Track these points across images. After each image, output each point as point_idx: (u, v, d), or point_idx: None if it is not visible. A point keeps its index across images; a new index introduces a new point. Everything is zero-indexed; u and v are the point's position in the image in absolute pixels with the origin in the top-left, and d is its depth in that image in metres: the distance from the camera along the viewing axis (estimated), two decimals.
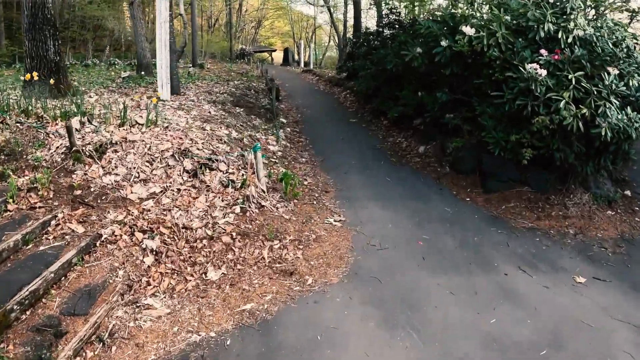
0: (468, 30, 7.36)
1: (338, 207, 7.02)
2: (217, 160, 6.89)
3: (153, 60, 21.56)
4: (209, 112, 9.80)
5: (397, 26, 15.36)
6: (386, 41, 14.32)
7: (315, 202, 7.10)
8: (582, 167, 7.07)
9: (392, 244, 5.93)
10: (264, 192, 6.61)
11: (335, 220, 6.51)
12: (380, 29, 16.03)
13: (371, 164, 9.14)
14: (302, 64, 32.92)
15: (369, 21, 32.23)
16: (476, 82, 7.78)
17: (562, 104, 6.43)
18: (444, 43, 7.84)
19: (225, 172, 6.79)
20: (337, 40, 33.18)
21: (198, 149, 7.16)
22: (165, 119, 8.27)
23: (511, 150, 7.16)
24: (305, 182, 7.92)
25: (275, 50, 42.02)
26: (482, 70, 7.66)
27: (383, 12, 21.24)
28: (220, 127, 8.79)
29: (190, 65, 23.72)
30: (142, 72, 16.29)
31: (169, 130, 7.57)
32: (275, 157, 8.81)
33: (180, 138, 7.34)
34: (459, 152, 8.48)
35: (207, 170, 6.71)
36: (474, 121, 8.28)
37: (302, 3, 42.40)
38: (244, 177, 6.66)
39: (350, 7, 33.26)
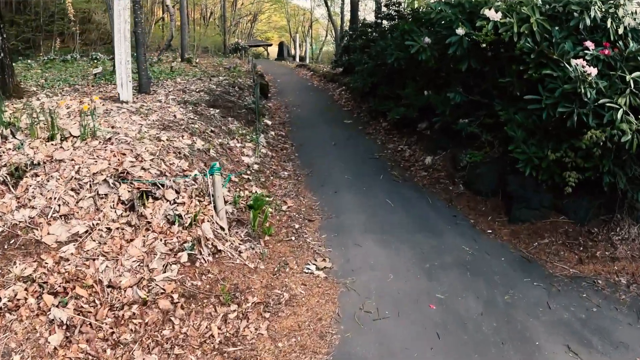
0: (493, 14, 5.59)
1: (323, 245, 5.28)
2: (164, 186, 5.13)
3: (134, 53, 19.83)
4: (174, 116, 8.03)
5: (397, 18, 13.62)
6: (385, 33, 12.55)
7: (293, 238, 5.37)
8: (635, 193, 5.33)
9: (394, 308, 4.19)
10: (223, 229, 4.88)
11: (318, 268, 4.77)
12: (379, 21, 14.25)
13: (368, 178, 7.40)
14: (297, 59, 31.06)
15: (369, 15, 30.36)
16: (501, 81, 6.03)
17: (619, 114, 4.69)
18: (460, 31, 6.06)
19: (173, 202, 5.04)
20: (334, 35, 31.29)
21: (143, 169, 5.40)
22: (113, 127, 6.52)
23: (547, 170, 5.42)
24: (284, 207, 6.20)
25: (271, 45, 40.12)
26: (509, 66, 5.91)
27: (382, 3, 19.47)
28: (183, 136, 7.04)
29: (179, 59, 21.90)
30: None
31: (111, 144, 5.82)
32: (250, 171, 7.07)
33: (123, 154, 5.58)
34: (476, 167, 6.74)
35: (150, 200, 4.96)
36: (496, 130, 6.55)
37: None
38: (198, 209, 4.92)
39: (348, 1, 31.49)
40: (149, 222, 4.76)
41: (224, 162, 6.89)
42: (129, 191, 4.94)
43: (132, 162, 5.43)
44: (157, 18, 31.22)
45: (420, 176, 7.49)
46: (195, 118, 8.41)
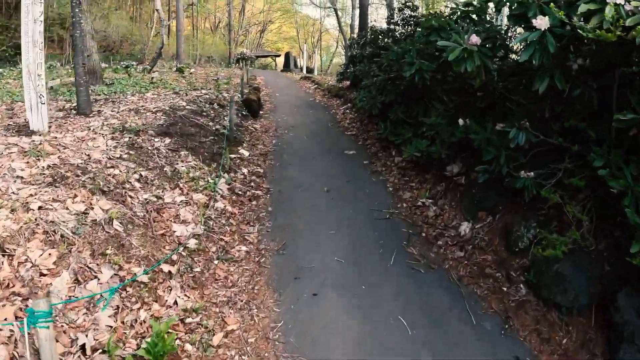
0: None
1: None
2: None
3: (112, 65, 16.87)
4: (88, 156, 5.24)
5: (412, 23, 10.79)
6: (399, 41, 9.71)
7: None
8: None
9: None
10: None
11: None
12: (392, 27, 11.40)
13: (371, 263, 4.50)
14: (304, 70, 28.28)
15: (381, 24, 27.56)
16: (621, 118, 3.09)
17: None
18: (540, 22, 3.14)
19: None
20: (344, 45, 28.50)
21: None
22: None
23: None
24: (216, 339, 3.33)
25: (279, 55, 37.44)
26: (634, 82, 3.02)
27: (395, 6, 16.65)
28: (75, 196, 4.26)
29: (175, 69, 19.28)
30: (88, 79, 11.86)
31: None
32: (183, 253, 4.24)
33: None
34: (552, 263, 3.79)
35: None
36: (592, 199, 3.63)
37: (307, 4, 37.85)
38: None
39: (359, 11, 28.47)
40: None
41: (132, 242, 4.06)
42: None
43: None
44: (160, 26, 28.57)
45: (454, 259, 4.56)
46: (125, 156, 5.62)
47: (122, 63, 18.23)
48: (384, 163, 7.53)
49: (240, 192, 6.06)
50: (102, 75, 12.44)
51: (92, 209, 4.21)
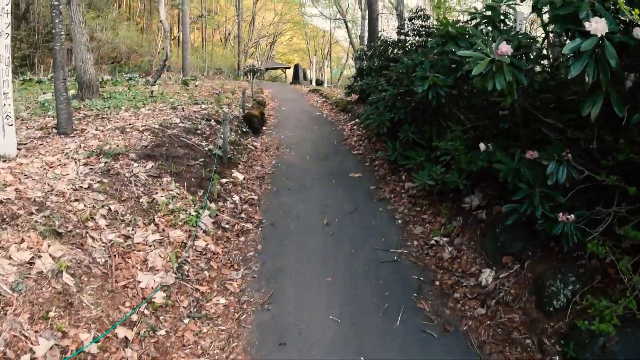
0: None
1: None
2: None
3: (118, 77, 16.27)
4: (51, 187, 4.55)
5: (423, 33, 10.05)
6: (410, 52, 8.96)
7: None
8: None
9: None
10: None
11: None
12: (402, 37, 10.65)
13: (373, 322, 3.68)
14: (313, 83, 27.64)
15: (391, 34, 26.88)
16: None
17: None
18: (595, 25, 2.34)
19: None
20: (354, 56, 27.84)
21: None
22: None
23: None
24: None
25: (289, 67, 36.92)
26: None
27: (405, 16, 15.93)
28: (22, 241, 3.54)
29: (180, 82, 18.74)
30: (83, 93, 11.33)
31: None
32: (148, 311, 3.48)
33: None
34: (598, 334, 2.96)
35: None
36: None
37: (317, 15, 37.43)
38: None
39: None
40: None
41: (84, 299, 3.30)
42: None
43: None
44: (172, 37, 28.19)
45: (474, 317, 3.73)
46: (96, 185, 4.92)
47: (125, 75, 17.72)
48: (392, 189, 6.73)
49: (227, 226, 5.30)
50: (99, 89, 11.87)
51: (40, 257, 3.48)
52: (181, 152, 6.67)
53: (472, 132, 5.08)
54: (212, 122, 9.26)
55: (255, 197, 6.39)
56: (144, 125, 7.40)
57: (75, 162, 5.47)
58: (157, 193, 5.30)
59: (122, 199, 4.93)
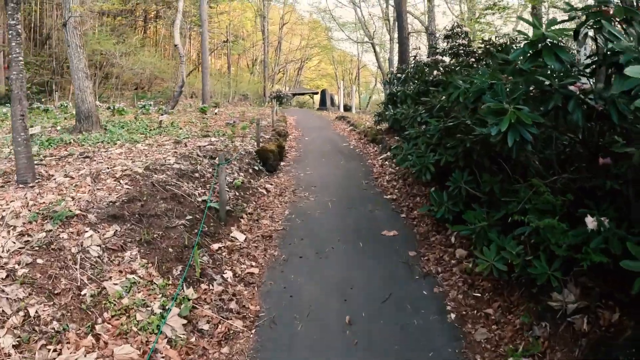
0: None
1: None
2: None
3: (118, 105, 14.95)
4: None
5: (462, 52, 8.47)
6: (451, 72, 7.25)
7: None
8: None
9: None
10: None
11: None
12: (438, 57, 8.97)
13: None
14: (341, 108, 26.15)
15: (420, 57, 25.30)
16: None
17: None
18: None
19: None
20: (383, 80, 26.29)
21: None
22: None
23: None
24: None
25: (316, 93, 35.67)
26: None
27: (438, 35, 14.33)
28: None
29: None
30: (81, 124, 10.10)
31: None
32: None
33: None
34: None
35: None
36: None
37: (344, 39, 36.20)
38: None
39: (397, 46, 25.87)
40: None
41: None
42: None
43: None
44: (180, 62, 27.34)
45: None
46: (21, 272, 3.41)
47: (139, 103, 16.61)
48: (439, 257, 4.95)
49: (206, 328, 3.63)
50: (99, 119, 10.60)
51: None
52: (163, 208, 5.09)
53: (568, 197, 3.31)
54: (215, 161, 7.74)
55: (256, 271, 4.72)
56: (125, 170, 5.89)
57: (9, 232, 3.96)
58: (109, 279, 3.71)
59: (55, 292, 3.37)
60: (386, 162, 9.54)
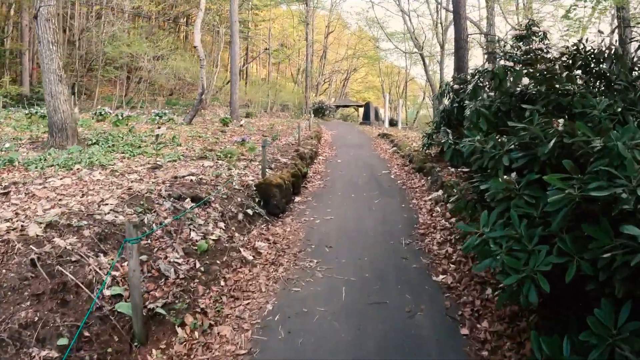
0: None
1: None
2: None
3: (127, 114, 12.31)
4: None
5: (540, 57, 5.45)
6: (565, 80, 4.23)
7: None
8: None
9: None
10: None
11: None
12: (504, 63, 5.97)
13: None
14: (386, 123, 23.17)
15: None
16: None
17: None
18: None
19: None
20: (432, 95, 23.11)
21: None
22: None
23: None
24: None
25: (361, 106, 32.85)
26: None
27: (504, 37, 11.39)
28: None
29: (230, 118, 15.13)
30: (53, 137, 7.83)
31: None
32: None
33: None
34: None
35: None
36: None
37: (392, 50, 33.30)
38: None
39: (449, 59, 22.55)
40: None
41: None
42: None
43: None
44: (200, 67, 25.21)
45: None
46: None
47: (153, 111, 14.38)
48: None
49: None
50: (77, 132, 8.24)
51: None
52: (23, 317, 2.44)
53: None
54: (188, 203, 5.10)
55: None
56: (15, 227, 3.31)
57: None
58: None
59: None
60: (437, 208, 6.59)
